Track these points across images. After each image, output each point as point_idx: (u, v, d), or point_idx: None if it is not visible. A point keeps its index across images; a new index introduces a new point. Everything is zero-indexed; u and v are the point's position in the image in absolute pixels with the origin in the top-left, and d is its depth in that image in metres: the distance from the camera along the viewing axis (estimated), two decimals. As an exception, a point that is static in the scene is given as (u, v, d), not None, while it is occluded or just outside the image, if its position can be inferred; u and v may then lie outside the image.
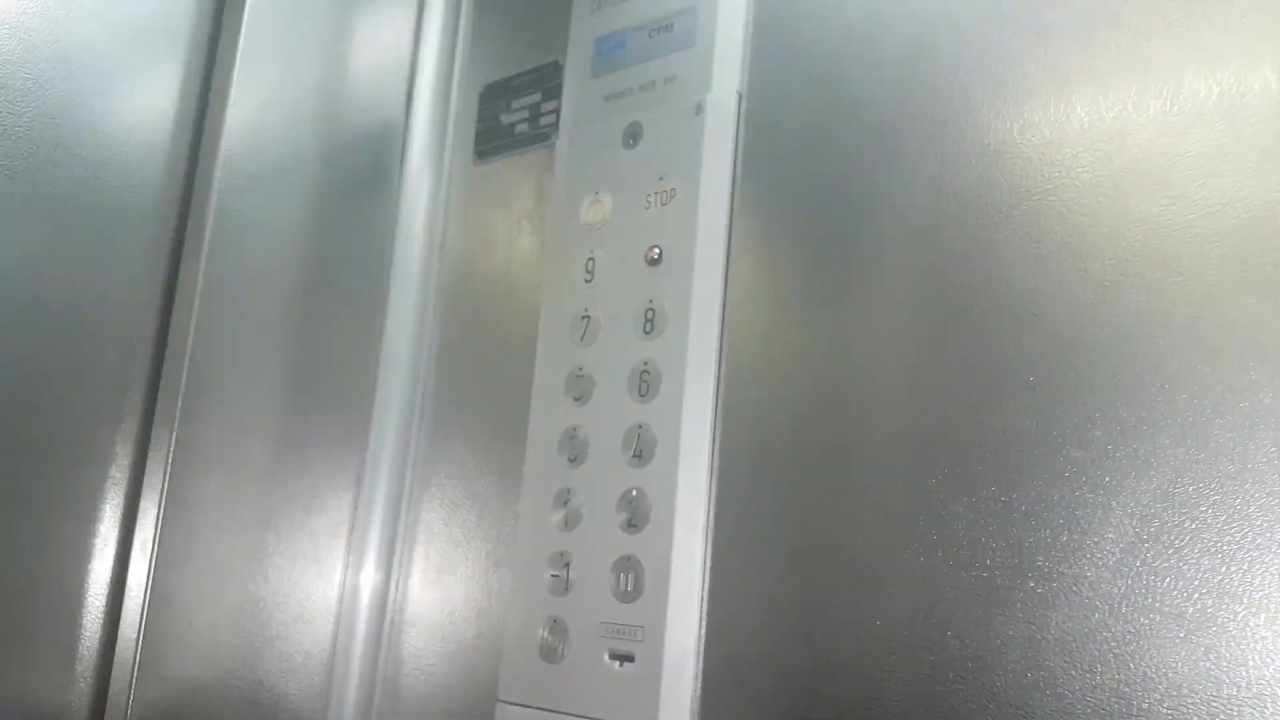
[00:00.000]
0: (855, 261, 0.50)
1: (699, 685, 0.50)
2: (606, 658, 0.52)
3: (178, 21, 0.65)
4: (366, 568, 0.67)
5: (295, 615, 0.66)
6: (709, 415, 0.52)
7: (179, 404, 0.61)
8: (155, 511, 0.60)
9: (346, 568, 0.68)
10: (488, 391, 0.66)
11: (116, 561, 0.61)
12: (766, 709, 0.48)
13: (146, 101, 0.64)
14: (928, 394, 0.46)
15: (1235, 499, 0.38)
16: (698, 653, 0.50)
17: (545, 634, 0.55)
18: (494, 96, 0.71)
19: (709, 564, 0.51)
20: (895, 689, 0.44)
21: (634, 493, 0.53)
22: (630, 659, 0.51)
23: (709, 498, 0.52)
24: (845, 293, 0.50)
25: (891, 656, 0.44)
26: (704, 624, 0.50)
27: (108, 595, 0.61)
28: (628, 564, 0.53)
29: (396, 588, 0.67)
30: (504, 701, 0.57)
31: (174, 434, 0.60)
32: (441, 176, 0.73)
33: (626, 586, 0.52)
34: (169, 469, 0.60)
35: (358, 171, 0.72)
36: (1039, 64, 0.46)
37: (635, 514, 0.53)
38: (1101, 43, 0.45)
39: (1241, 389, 0.38)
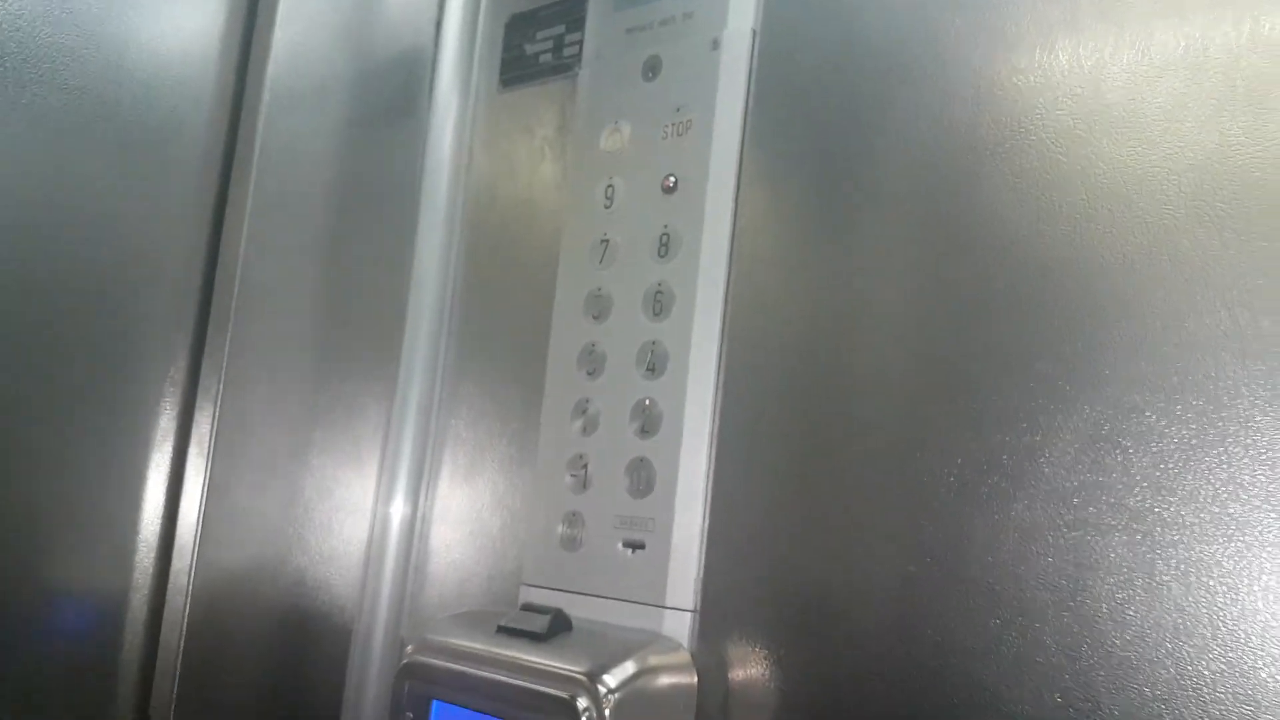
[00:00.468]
0: (857, 191, 0.55)
1: (702, 569, 0.56)
2: (620, 546, 0.58)
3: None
4: (401, 468, 0.74)
5: (336, 509, 0.72)
6: (717, 333, 0.58)
7: (232, 310, 0.66)
8: (211, 409, 0.66)
9: (382, 466, 0.74)
10: (511, 308, 0.71)
11: (175, 456, 0.67)
12: (760, 590, 0.54)
13: (199, 24, 0.68)
14: (917, 314, 0.52)
15: (1176, 407, 0.43)
16: (701, 541, 0.56)
17: (565, 527, 0.62)
18: (520, 27, 0.75)
19: (713, 465, 0.57)
20: (873, 570, 0.50)
21: (646, 402, 0.59)
22: (642, 546, 0.58)
23: (715, 408, 0.57)
24: (847, 220, 0.55)
25: (871, 543, 0.50)
26: (707, 516, 0.56)
27: (167, 487, 0.67)
28: (640, 465, 0.58)
29: (428, 486, 0.73)
30: (527, 584, 0.63)
31: (228, 338, 0.66)
32: (468, 103, 0.77)
33: (639, 484, 0.58)
34: (224, 373, 0.66)
35: (390, 96, 0.76)
36: (1029, 13, 0.51)
37: (648, 421, 0.59)
38: (1083, -5, 0.49)
39: (1185, 312, 0.43)
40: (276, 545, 0.70)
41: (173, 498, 0.67)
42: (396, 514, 0.73)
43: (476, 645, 0.56)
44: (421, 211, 0.76)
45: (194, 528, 0.66)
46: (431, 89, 0.77)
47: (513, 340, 0.70)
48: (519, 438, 0.68)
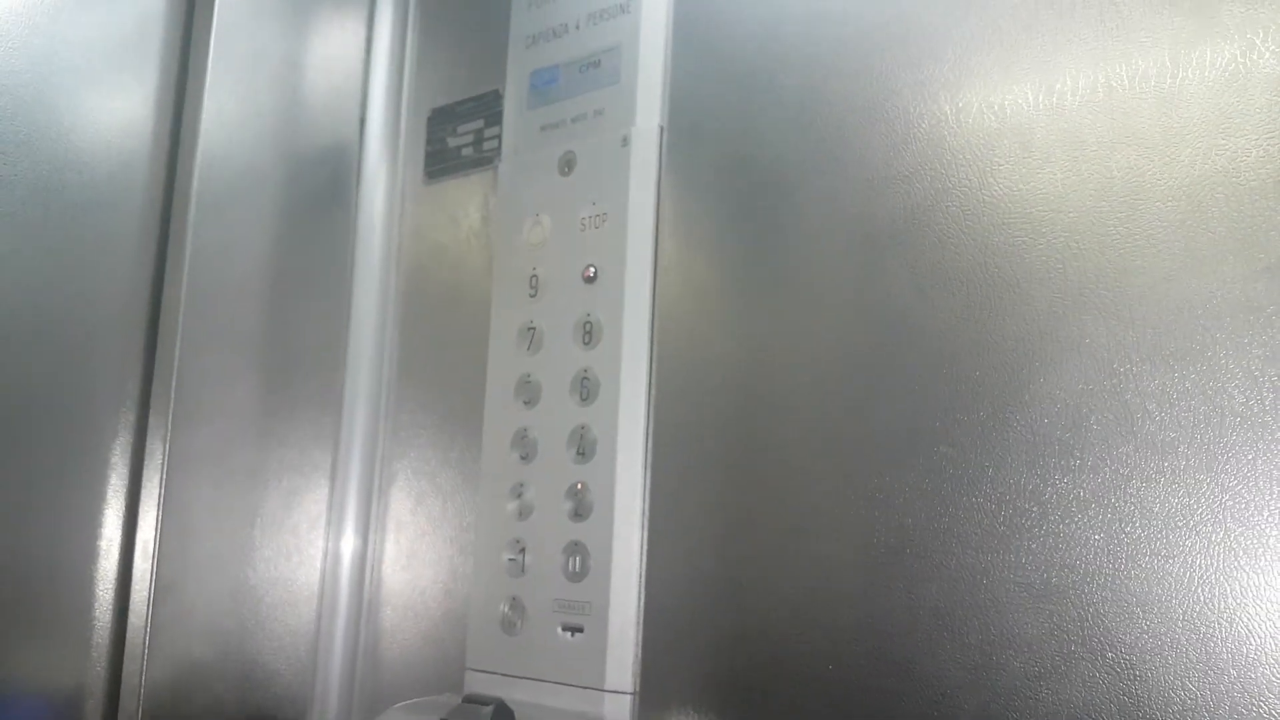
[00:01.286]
0: (765, 279, 0.55)
1: (639, 650, 0.55)
2: (559, 630, 0.57)
3: (147, 62, 0.68)
4: (344, 556, 0.72)
5: (282, 599, 0.70)
6: (643, 415, 0.57)
7: (169, 416, 0.64)
8: (155, 514, 0.64)
9: (326, 555, 0.72)
10: (446, 394, 0.70)
11: (122, 560, 0.65)
12: (697, 669, 0.53)
13: (124, 143, 0.67)
14: (829, 394, 0.52)
15: (1074, 488, 0.43)
16: (638, 623, 0.55)
17: (505, 609, 0.60)
18: (441, 121, 0.74)
19: (645, 546, 0.56)
20: (801, 649, 0.50)
21: (579, 485, 0.58)
22: (580, 630, 0.57)
23: (644, 488, 0.57)
24: (758, 306, 0.55)
25: (798, 622, 0.50)
26: (642, 598, 0.56)
27: (115, 589, 0.65)
28: (575, 548, 0.58)
29: (371, 572, 0.72)
30: (472, 669, 0.62)
31: (167, 444, 0.64)
32: (395, 194, 0.76)
33: (575, 568, 0.57)
34: (165, 477, 0.64)
35: (318, 190, 0.75)
36: (919, 106, 0.51)
37: (580, 504, 0.58)
38: (970, 89, 0.50)
39: (1078, 395, 0.44)
40: (227, 639, 0.68)
41: (121, 600, 0.65)
42: (342, 602, 0.71)
43: (422, 739, 0.55)
44: (355, 298, 0.75)
45: (142, 629, 0.64)
46: (358, 181, 0.76)
47: (449, 425, 0.69)
48: (458, 521, 0.67)
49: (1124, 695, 0.41)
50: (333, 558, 0.72)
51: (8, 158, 0.61)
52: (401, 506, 0.71)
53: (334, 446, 0.73)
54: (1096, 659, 0.42)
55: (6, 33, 0.61)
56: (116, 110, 0.67)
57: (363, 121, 0.77)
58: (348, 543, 0.72)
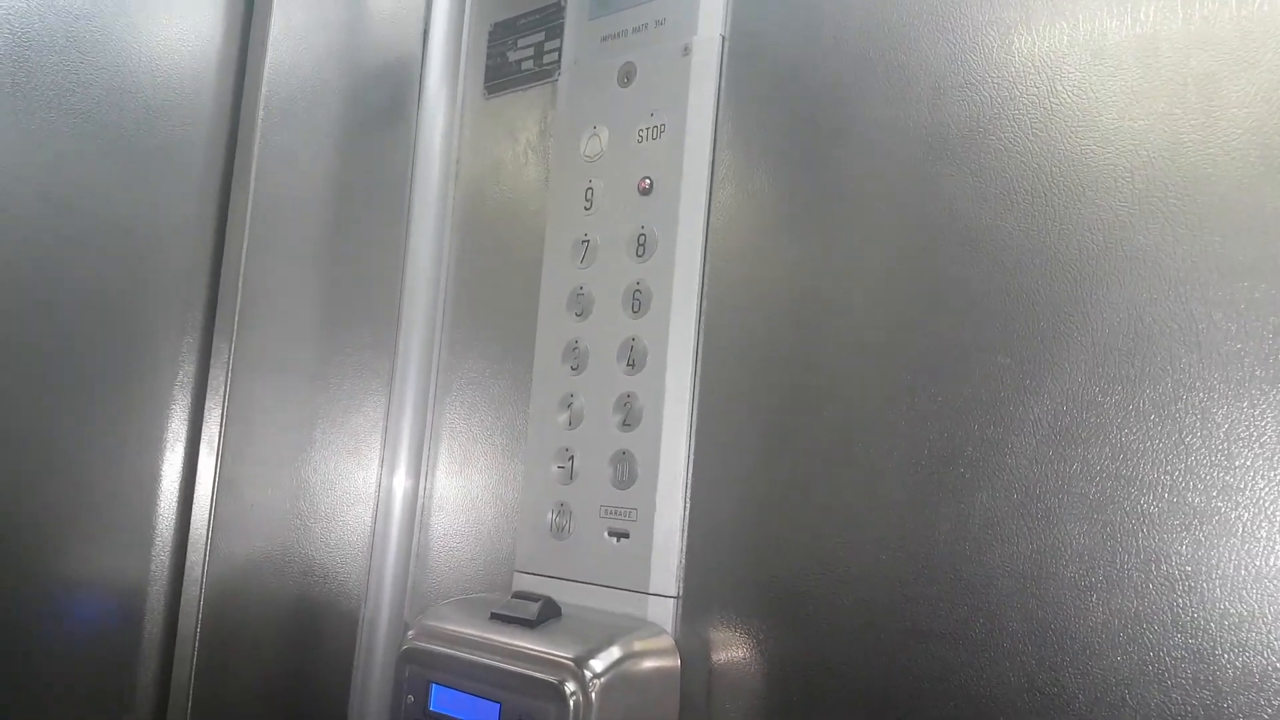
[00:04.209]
0: (823, 190, 0.53)
1: (683, 556, 0.55)
2: (606, 534, 0.57)
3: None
4: (399, 460, 0.72)
5: (340, 501, 0.71)
6: (693, 328, 0.56)
7: (236, 318, 0.65)
8: (219, 411, 0.64)
9: (382, 461, 0.73)
10: (500, 306, 0.69)
11: (187, 455, 0.66)
12: (740, 575, 0.53)
13: (196, 46, 0.66)
14: (881, 308, 0.50)
15: (1133, 398, 0.41)
16: (682, 530, 0.55)
17: (554, 516, 0.60)
18: (502, 35, 0.72)
19: (692, 456, 0.55)
20: (845, 557, 0.48)
21: (628, 396, 0.57)
22: (626, 535, 0.56)
23: (693, 400, 0.56)
24: (814, 219, 0.53)
25: (843, 531, 0.49)
26: (688, 506, 0.55)
27: (180, 484, 0.66)
28: (623, 457, 0.57)
29: (426, 478, 0.72)
30: (520, 571, 0.62)
31: (233, 344, 0.64)
32: (455, 109, 0.75)
33: (622, 476, 0.57)
34: (230, 375, 0.64)
35: (380, 105, 0.74)
36: (987, 13, 0.48)
37: (629, 414, 0.57)
38: (1040, -4, 0.47)
39: (1141, 305, 0.41)
40: (284, 537, 0.69)
41: (185, 494, 0.66)
42: (397, 504, 0.72)
43: (471, 631, 0.55)
44: (413, 213, 0.74)
45: (206, 522, 0.65)
46: (420, 96, 0.75)
47: (502, 337, 0.69)
48: (510, 430, 0.67)
49: (1176, 607, 0.39)
50: (389, 461, 0.72)
51: (85, 56, 0.61)
52: (455, 414, 0.70)
53: (392, 354, 0.73)
54: (1150, 570, 0.40)
55: (82, -65, 0.61)
56: (189, 17, 0.66)
57: (425, 36, 0.75)
58: (403, 447, 0.72)
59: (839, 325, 0.51)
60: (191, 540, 0.65)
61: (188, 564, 0.65)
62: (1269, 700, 0.36)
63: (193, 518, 0.66)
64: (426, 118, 0.74)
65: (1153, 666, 0.39)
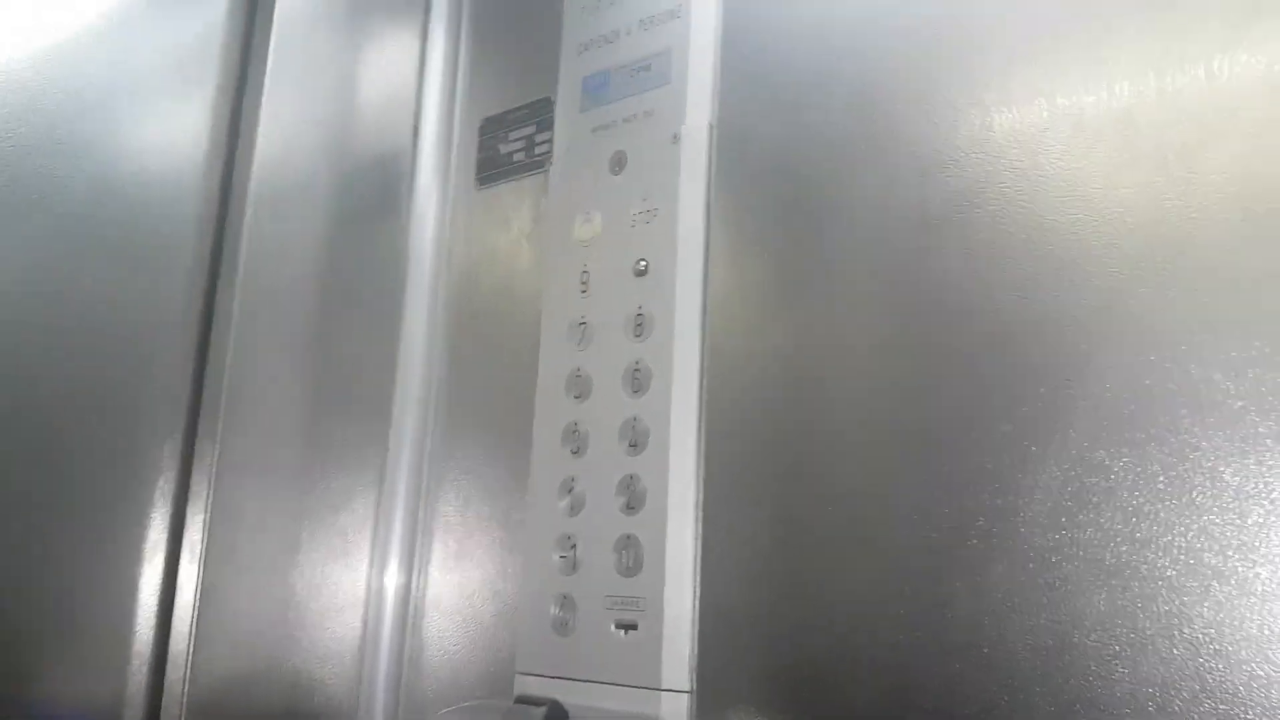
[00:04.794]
0: (816, 269, 0.56)
1: (696, 646, 0.55)
2: (613, 627, 0.57)
3: (207, 70, 0.70)
4: (391, 558, 0.72)
5: (328, 606, 0.71)
6: (695, 406, 0.58)
7: (220, 419, 0.66)
8: (202, 517, 0.65)
9: (372, 560, 0.73)
10: (494, 393, 0.71)
11: (167, 564, 0.66)
12: (756, 665, 0.53)
13: (182, 143, 0.69)
14: (882, 383, 0.52)
15: (1141, 461, 0.43)
16: (693, 618, 0.55)
17: (556, 610, 0.60)
18: (493, 128, 0.76)
19: (700, 539, 0.56)
20: (863, 641, 0.49)
21: (631, 478, 0.58)
22: (634, 627, 0.56)
23: (698, 480, 0.57)
24: (810, 297, 0.56)
25: (859, 614, 0.50)
26: (698, 592, 0.55)
27: (159, 595, 0.66)
28: (628, 543, 0.58)
29: (418, 575, 0.72)
30: (522, 673, 0.62)
31: (218, 446, 0.65)
32: (447, 200, 0.78)
33: (628, 563, 0.58)
34: (214, 478, 0.65)
35: (371, 197, 0.77)
36: (965, 94, 0.52)
37: (633, 497, 0.58)
38: (1018, 78, 0.50)
39: (1140, 369, 0.44)
40: (271, 648, 0.68)
41: (165, 606, 0.66)
42: (389, 605, 0.72)
43: (473, 738, 0.54)
44: (406, 303, 0.77)
45: (187, 636, 0.64)
46: (411, 188, 0.78)
47: (497, 423, 0.70)
48: (507, 520, 0.68)
49: (1204, 671, 0.40)
50: (380, 560, 0.72)
51: (70, 160, 0.63)
52: (449, 507, 0.71)
53: (383, 448, 0.74)
54: (1173, 635, 0.41)
55: (76, 41, 0.64)
56: (176, 116, 0.69)
57: (416, 130, 0.79)
58: (395, 544, 0.72)
59: (841, 402, 0.53)
60: (171, 656, 0.65)
61: (167, 682, 0.64)
62: (1304, 762, 0.37)
63: (173, 630, 0.65)
64: (418, 209, 0.77)
65: (1184, 734, 0.40)
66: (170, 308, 0.68)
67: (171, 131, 0.69)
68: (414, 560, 0.72)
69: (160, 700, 0.64)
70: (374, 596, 0.72)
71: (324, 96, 0.74)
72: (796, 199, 0.57)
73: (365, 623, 0.72)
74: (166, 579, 0.66)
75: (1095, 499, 0.44)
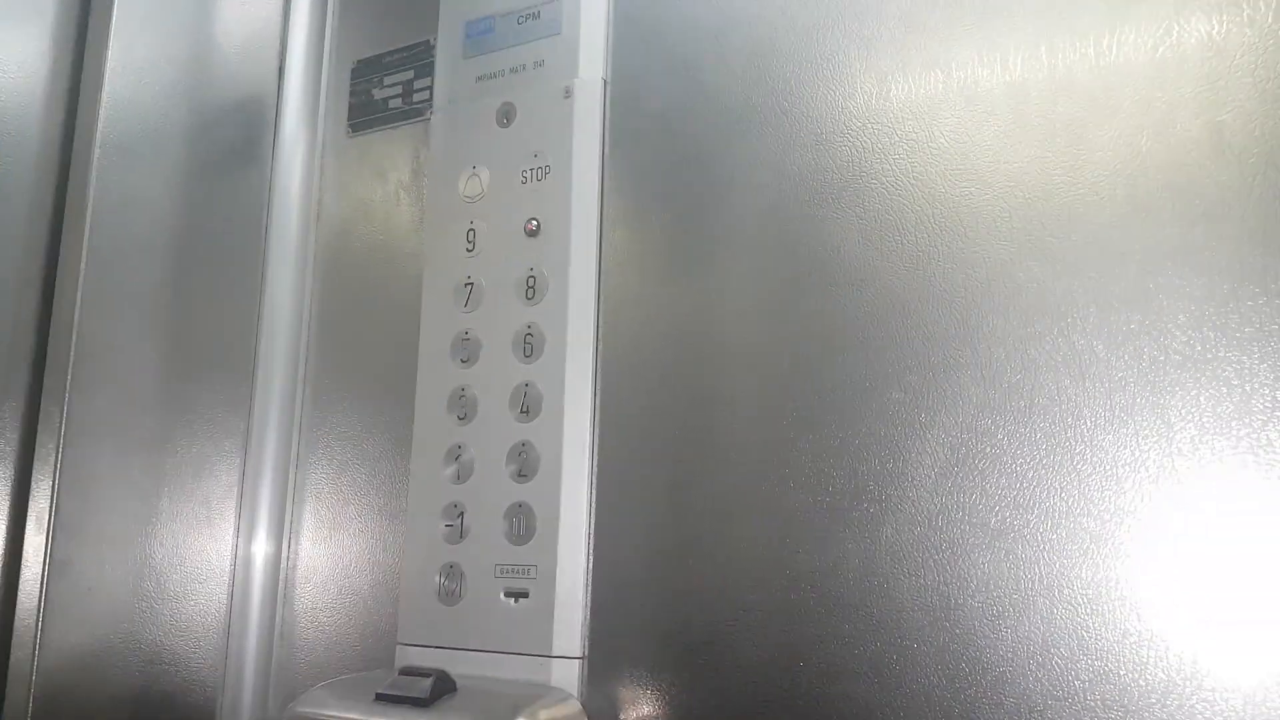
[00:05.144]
0: (712, 232, 0.55)
1: (588, 614, 0.54)
2: (502, 596, 0.56)
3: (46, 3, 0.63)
4: (258, 528, 0.68)
5: (190, 577, 0.67)
6: (590, 372, 0.56)
7: (68, 377, 0.60)
8: (49, 484, 0.59)
9: (238, 529, 0.69)
10: (372, 355, 0.68)
11: (10, 535, 0.60)
12: (649, 628, 0.53)
13: (19, 80, 0.62)
14: (776, 348, 0.52)
15: (1024, 428, 0.45)
16: (587, 584, 0.54)
17: (442, 579, 0.58)
18: (366, 72, 0.71)
19: (594, 506, 0.55)
20: (758, 601, 0.50)
21: (523, 445, 0.57)
22: (525, 595, 0.55)
23: (592, 447, 0.56)
24: (706, 261, 0.55)
25: (753, 575, 0.50)
26: (591, 559, 0.55)
27: (2, 569, 0.60)
28: (519, 510, 0.56)
29: (289, 545, 0.68)
30: (404, 644, 0.60)
31: (65, 408, 0.60)
32: (315, 148, 0.73)
33: (519, 530, 0.56)
34: (62, 442, 0.60)
35: (232, 143, 0.71)
36: (862, 62, 0.52)
37: (525, 465, 0.57)
38: (915, 47, 0.51)
39: (1026, 339, 0.45)
40: (127, 622, 0.64)
41: (10, 579, 0.60)
42: (257, 578, 0.68)
43: (353, 716, 0.52)
44: (269, 258, 0.72)
45: (35, 611, 0.59)
46: (276, 134, 0.73)
47: (375, 388, 0.67)
48: (388, 488, 0.65)
49: (1082, 630, 0.42)
50: (247, 530, 0.68)
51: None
52: (322, 474, 0.68)
53: (248, 412, 0.69)
54: (1054, 595, 0.43)
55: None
56: (11, 47, 0.62)
57: (281, 72, 0.73)
58: (262, 513, 0.68)
59: (737, 367, 0.53)
60: (17, 633, 0.60)
61: (13, 661, 0.59)
62: (1171, 716, 0.40)
63: (18, 606, 0.60)
64: (284, 157, 0.72)
65: (1063, 690, 0.42)
66: (7, 258, 0.61)
67: (8, 66, 0.62)
68: (284, 529, 0.69)
69: (4, 682, 0.59)
70: (241, 567, 0.68)
71: (179, 32, 0.68)
72: (692, 160, 0.56)
73: (231, 595, 0.68)
74: (10, 551, 0.60)
75: (982, 464, 0.45)
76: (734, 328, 0.53)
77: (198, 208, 0.69)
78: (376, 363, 0.67)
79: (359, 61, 0.72)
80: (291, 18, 0.74)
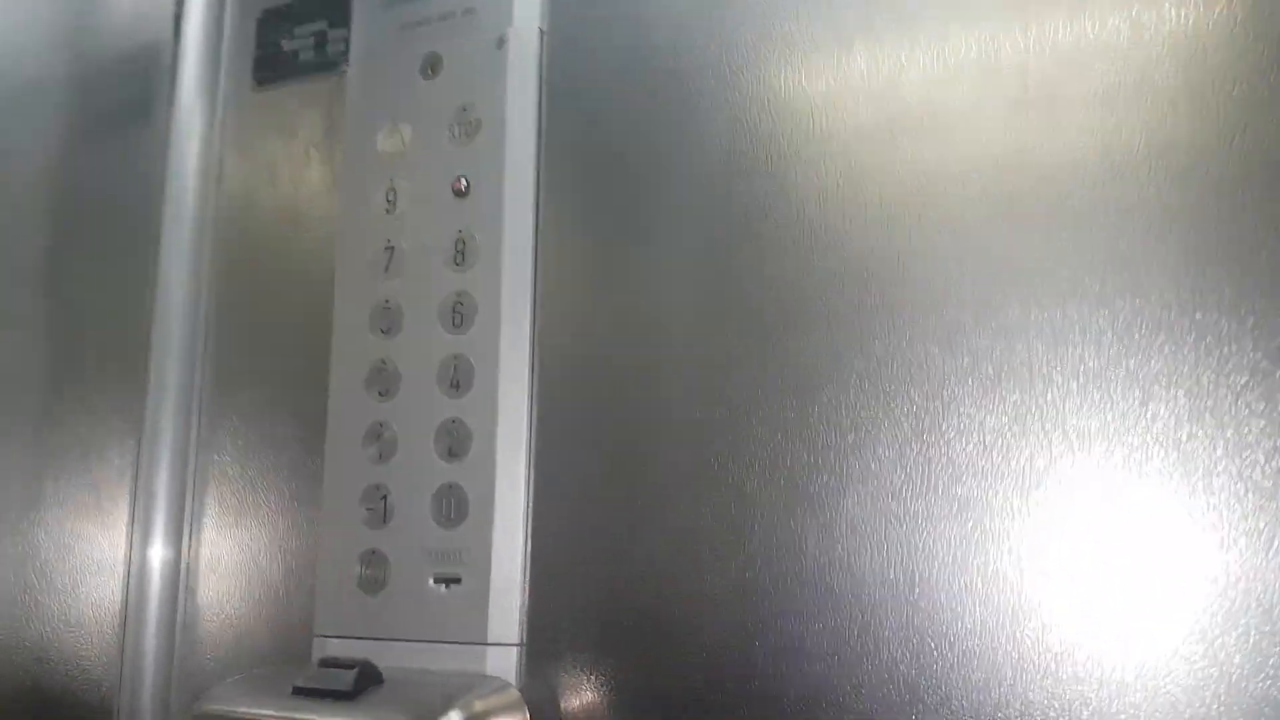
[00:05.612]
0: (659, 194, 0.51)
1: (526, 599, 0.50)
2: (431, 582, 0.52)
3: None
4: (155, 515, 0.62)
5: (80, 568, 0.60)
6: (526, 343, 0.52)
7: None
8: (-89, 469, 0.52)
9: (134, 516, 0.62)
10: (279, 327, 0.62)
11: None
12: (592, 614, 0.49)
13: None
14: (728, 318, 0.49)
15: (992, 397, 0.43)
16: (524, 568, 0.51)
17: (363, 567, 0.54)
18: (274, 22, 0.65)
19: (532, 485, 0.51)
20: (711, 582, 0.46)
21: (453, 423, 0.52)
22: (456, 581, 0.51)
23: (529, 423, 0.52)
24: (651, 224, 0.51)
25: (704, 554, 0.47)
26: (530, 542, 0.51)
27: None
28: (449, 491, 0.52)
29: (190, 533, 0.62)
30: (321, 636, 0.55)
31: (-72, 384, 0.53)
32: (216, 103, 0.66)
33: (449, 513, 0.52)
34: (-75, 422, 0.53)
35: (123, 99, 0.64)
36: (824, 19, 0.49)
37: (455, 443, 0.52)
38: (879, 2, 0.48)
39: (996, 304, 0.43)
40: (10, 618, 0.57)
41: None
42: (155, 568, 0.62)
43: (270, 713, 0.47)
44: (165, 224, 0.65)
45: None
46: (173, 89, 0.66)
47: (284, 363, 0.61)
48: (299, 472, 0.59)
49: (1053, 602, 0.40)
50: (143, 517, 0.62)
51: None
52: (226, 456, 0.62)
53: (142, 390, 0.63)
54: (1023, 567, 0.41)
55: None
56: None
57: (178, 20, 0.66)
58: (160, 499, 0.62)
59: (686, 338, 0.49)
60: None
61: None
62: (1146, 687, 0.38)
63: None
64: (181, 115, 0.66)
65: (1033, 663, 0.40)
66: None
67: None
68: (184, 516, 0.63)
69: None
70: (136, 557, 0.62)
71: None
72: (638, 119, 0.52)
73: (127, 587, 0.62)
74: None
75: (947, 434, 0.43)
76: (682, 295, 0.50)
77: (86, 168, 0.63)
78: (286, 336, 0.61)
79: (266, 11, 0.66)
80: (188, -39, 0.67)
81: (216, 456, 0.62)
